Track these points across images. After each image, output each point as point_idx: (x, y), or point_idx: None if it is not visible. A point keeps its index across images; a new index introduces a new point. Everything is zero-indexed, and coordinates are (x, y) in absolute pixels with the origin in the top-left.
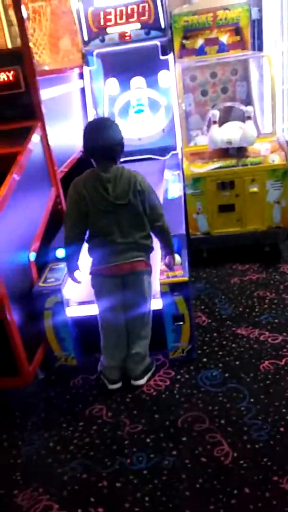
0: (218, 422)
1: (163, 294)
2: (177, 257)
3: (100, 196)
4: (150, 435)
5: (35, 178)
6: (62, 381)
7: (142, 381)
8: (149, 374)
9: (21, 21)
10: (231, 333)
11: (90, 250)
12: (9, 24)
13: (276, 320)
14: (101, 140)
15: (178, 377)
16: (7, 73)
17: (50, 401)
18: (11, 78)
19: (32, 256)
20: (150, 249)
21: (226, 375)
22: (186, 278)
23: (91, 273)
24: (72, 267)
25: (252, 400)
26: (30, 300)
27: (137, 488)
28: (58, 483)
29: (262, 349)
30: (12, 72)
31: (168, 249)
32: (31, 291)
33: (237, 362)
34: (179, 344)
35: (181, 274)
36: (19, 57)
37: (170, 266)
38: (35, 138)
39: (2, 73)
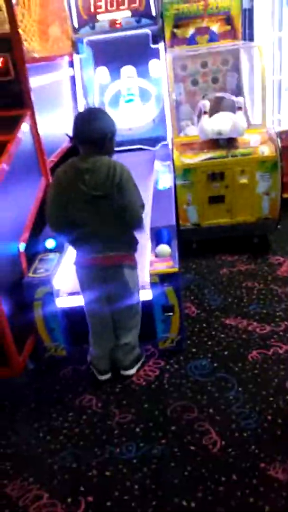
0: (207, 411)
1: (153, 284)
2: (167, 248)
3: (77, 187)
4: (140, 424)
5: (24, 168)
6: (52, 372)
7: (131, 371)
8: (138, 364)
9: (9, 5)
10: (220, 323)
11: (72, 241)
12: None
13: (264, 311)
14: (91, 131)
15: (168, 367)
16: None
17: (40, 391)
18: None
19: (22, 246)
20: (133, 242)
21: (215, 364)
22: (176, 269)
23: (75, 264)
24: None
25: (240, 389)
26: (20, 290)
27: (127, 477)
28: (48, 473)
29: (250, 339)
30: (1, 59)
31: None
32: (21, 282)
33: (226, 352)
34: (168, 334)
35: (171, 265)
36: (8, 44)
37: None
38: (25, 127)
39: None
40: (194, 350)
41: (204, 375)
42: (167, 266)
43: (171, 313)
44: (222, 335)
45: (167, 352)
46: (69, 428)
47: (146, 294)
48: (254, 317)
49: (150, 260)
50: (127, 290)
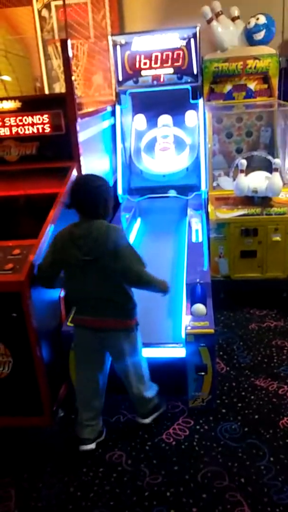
0: (238, 480)
1: (188, 343)
2: (202, 308)
3: (71, 251)
4: (170, 488)
5: (69, 215)
6: None
7: (146, 420)
8: (155, 415)
9: (67, 68)
10: (249, 384)
11: (70, 300)
12: (47, 58)
13: None
14: (85, 198)
15: (198, 427)
16: (50, 116)
17: (70, 442)
18: (53, 121)
19: (62, 292)
20: (126, 306)
21: (245, 429)
22: (212, 330)
23: (72, 321)
24: None
25: (272, 459)
26: (58, 338)
27: None
28: None
29: (281, 404)
30: (55, 115)
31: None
32: (59, 330)
33: (256, 416)
34: (199, 393)
35: (207, 326)
36: (62, 102)
37: None
38: (72, 178)
39: (46, 116)
40: (223, 411)
41: (235, 440)
42: (203, 326)
43: (204, 373)
44: (252, 397)
45: (197, 411)
46: (99, 485)
47: (180, 352)
48: (285, 380)
49: (186, 318)
50: (122, 354)
